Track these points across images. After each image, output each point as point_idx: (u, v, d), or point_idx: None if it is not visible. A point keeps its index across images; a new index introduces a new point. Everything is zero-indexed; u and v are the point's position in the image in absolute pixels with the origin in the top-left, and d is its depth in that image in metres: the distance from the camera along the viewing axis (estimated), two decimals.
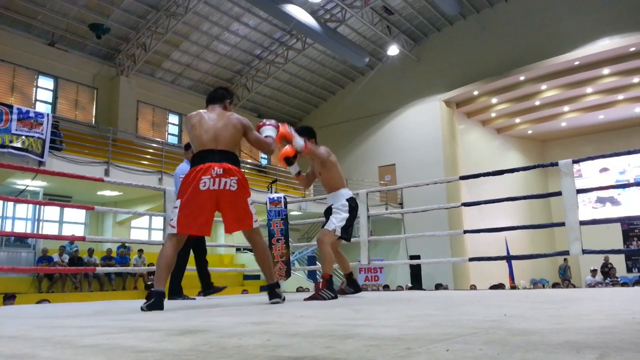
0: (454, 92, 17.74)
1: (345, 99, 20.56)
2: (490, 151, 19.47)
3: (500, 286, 11.82)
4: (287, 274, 5.69)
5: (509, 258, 12.74)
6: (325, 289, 3.76)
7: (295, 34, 17.13)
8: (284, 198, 5.84)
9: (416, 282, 15.81)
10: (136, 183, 6.26)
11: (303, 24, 14.93)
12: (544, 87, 16.88)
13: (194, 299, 4.87)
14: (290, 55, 17.92)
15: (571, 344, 1.17)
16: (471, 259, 5.74)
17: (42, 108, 13.60)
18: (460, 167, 17.69)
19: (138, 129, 15.98)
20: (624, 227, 17.11)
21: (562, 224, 4.52)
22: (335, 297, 3.80)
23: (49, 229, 13.17)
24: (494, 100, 18.02)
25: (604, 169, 18.70)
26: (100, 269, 9.92)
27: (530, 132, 20.43)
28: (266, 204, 5.80)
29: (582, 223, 4.44)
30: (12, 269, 7.70)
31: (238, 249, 16.14)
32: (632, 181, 17.36)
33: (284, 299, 3.28)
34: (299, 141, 3.89)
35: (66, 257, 11.11)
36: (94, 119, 15.04)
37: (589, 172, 18.41)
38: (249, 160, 18.69)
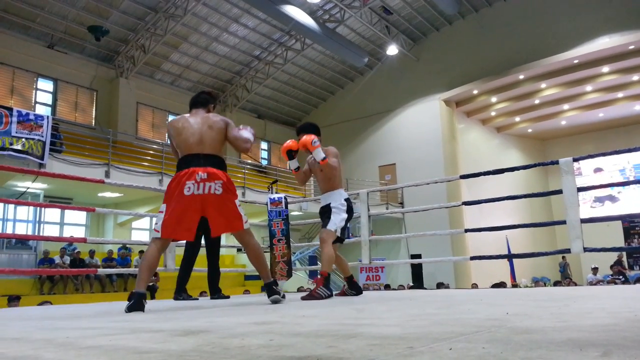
0: (454, 92, 17.75)
1: (345, 99, 20.57)
2: (490, 150, 19.47)
3: (501, 285, 11.82)
4: (289, 274, 5.68)
5: (510, 256, 12.75)
6: (322, 287, 3.76)
7: (294, 35, 17.13)
8: (285, 198, 5.84)
9: (417, 281, 15.82)
10: (136, 184, 6.26)
11: (302, 24, 14.93)
12: (543, 85, 16.88)
13: (197, 299, 4.86)
14: (290, 55, 17.92)
15: (574, 341, 1.17)
16: (472, 258, 5.74)
17: (42, 110, 13.60)
18: (460, 166, 17.70)
19: (138, 130, 15.98)
20: (625, 224, 17.10)
21: (563, 222, 4.52)
22: (331, 295, 3.83)
23: (50, 230, 13.18)
24: (494, 99, 18.03)
25: (598, 169, 18.69)
26: (101, 271, 9.93)
27: (530, 130, 20.43)
28: (267, 204, 5.80)
29: (583, 221, 4.43)
30: (14, 271, 7.71)
31: (239, 250, 16.12)
32: (631, 179, 17.40)
33: (283, 296, 3.27)
34: (320, 154, 3.89)
35: (67, 259, 11.12)
36: (93, 121, 15.05)
37: (586, 172, 18.41)
38: (249, 161, 18.69)
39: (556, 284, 13.80)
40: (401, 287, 13.08)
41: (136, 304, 2.78)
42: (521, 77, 16.64)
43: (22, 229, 12.52)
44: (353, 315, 2.20)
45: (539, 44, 15.88)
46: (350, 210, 4.10)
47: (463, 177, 5.80)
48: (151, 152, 14.10)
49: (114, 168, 11.33)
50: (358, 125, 19.71)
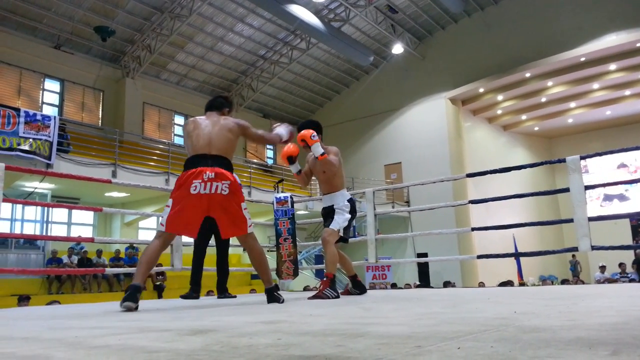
0: (460, 90, 17.69)
1: (350, 98, 20.55)
2: (497, 148, 19.39)
3: (508, 283, 11.79)
4: (295, 273, 5.69)
5: (517, 255, 12.70)
6: (328, 288, 3.74)
7: (299, 34, 17.13)
8: (291, 197, 5.85)
9: (424, 280, 15.79)
10: (143, 184, 6.29)
11: (307, 23, 14.92)
12: (550, 83, 16.79)
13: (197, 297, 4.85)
14: (295, 55, 17.93)
15: (583, 340, 1.17)
16: (479, 257, 5.72)
17: (48, 111, 13.69)
18: (466, 164, 17.64)
19: (144, 130, 16.04)
20: (633, 222, 17.00)
21: (571, 221, 4.50)
22: (338, 297, 3.79)
23: (58, 230, 13.26)
24: (500, 98, 17.95)
25: (623, 165, 18.53)
26: (109, 270, 9.98)
27: (536, 128, 20.32)
28: (273, 203, 5.81)
29: (591, 219, 4.41)
30: (23, 271, 7.77)
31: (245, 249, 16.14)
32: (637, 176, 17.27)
33: (283, 301, 3.25)
34: (319, 149, 3.87)
35: (75, 259, 11.18)
36: (100, 121, 15.13)
37: (602, 169, 18.22)
38: (255, 160, 18.72)
39: (564, 282, 13.74)
40: (408, 286, 13.07)
41: (131, 296, 2.77)
42: (527, 75, 16.56)
43: (30, 229, 12.61)
44: (360, 315, 2.20)
45: (545, 42, 15.79)
46: (353, 211, 4.07)
47: (469, 175, 5.78)
48: (157, 151, 14.16)
49: (121, 168, 11.38)
50: (364, 124, 19.69)
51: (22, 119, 9.50)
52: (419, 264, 16.46)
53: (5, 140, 9.20)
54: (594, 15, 15.17)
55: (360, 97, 20.24)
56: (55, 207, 12.72)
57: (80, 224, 13.90)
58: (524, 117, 19.33)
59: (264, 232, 16.88)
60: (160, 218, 3.09)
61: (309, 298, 3.79)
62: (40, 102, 13.91)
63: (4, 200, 4.15)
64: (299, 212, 14.34)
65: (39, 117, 9.94)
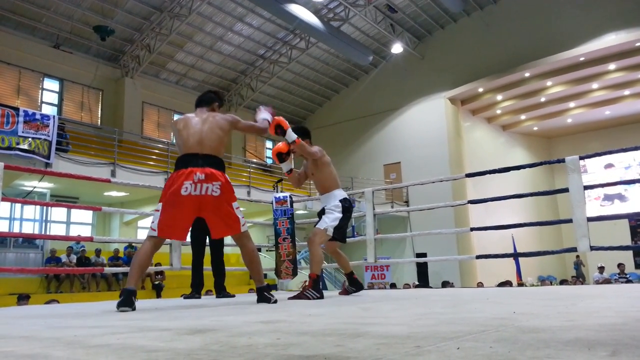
0: (459, 90, 17.70)
1: (350, 97, 20.55)
2: (496, 148, 19.41)
3: (507, 283, 11.80)
4: (294, 273, 5.69)
5: (516, 255, 12.70)
6: (310, 289, 3.68)
7: (298, 34, 17.13)
8: (290, 197, 5.84)
9: (423, 280, 15.79)
10: (142, 184, 6.28)
11: (306, 23, 14.92)
12: (549, 83, 16.80)
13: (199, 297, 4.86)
14: (294, 54, 17.92)
15: (582, 341, 1.17)
16: (478, 257, 5.73)
17: (48, 110, 13.67)
18: (465, 164, 17.65)
19: (143, 129, 16.04)
20: (632, 223, 17.01)
21: (570, 221, 4.50)
22: (321, 297, 3.70)
23: (57, 229, 13.25)
24: (499, 97, 17.96)
25: (609, 165, 18.57)
26: (108, 269, 9.97)
27: (535, 128, 20.34)
28: (272, 203, 5.80)
29: (590, 219, 4.41)
30: (21, 270, 7.76)
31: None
32: (638, 176, 17.28)
33: (275, 301, 3.20)
34: (292, 134, 3.87)
35: (74, 258, 11.18)
36: (99, 121, 15.11)
37: (594, 169, 18.30)
38: (254, 160, 18.72)
39: (562, 282, 13.75)
40: (407, 286, 13.07)
41: (125, 301, 2.76)
42: (527, 74, 16.57)
43: (29, 228, 12.60)
44: (359, 314, 2.20)
45: (544, 42, 15.80)
46: (346, 211, 4.01)
47: (469, 175, 5.79)
48: (156, 151, 14.15)
49: (120, 167, 11.38)
50: (363, 124, 19.69)
51: (21, 118, 9.49)
52: (418, 264, 16.45)
53: (5, 139, 9.19)
54: (593, 15, 15.18)
55: (359, 97, 20.24)
56: (54, 207, 12.72)
57: (79, 223, 13.90)
58: (523, 117, 19.34)
59: (263, 231, 16.90)
60: (151, 222, 3.06)
61: (290, 298, 3.72)
62: (39, 101, 13.90)
63: (3, 199, 4.15)
64: (298, 212, 14.33)
65: (38, 117, 9.93)
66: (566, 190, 4.54)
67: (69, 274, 10.77)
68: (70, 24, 13.81)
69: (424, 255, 15.52)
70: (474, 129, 19.03)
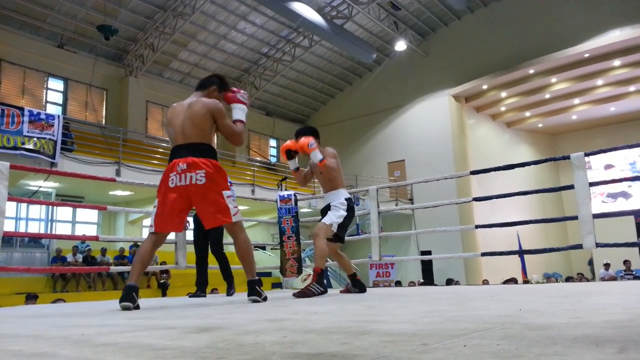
0: (463, 87, 17.65)
1: (353, 95, 20.53)
2: (501, 145, 19.35)
3: (512, 281, 11.77)
4: (299, 271, 5.71)
5: (521, 252, 12.66)
6: (315, 284, 3.68)
7: (302, 32, 17.12)
8: (294, 195, 5.85)
9: (428, 277, 15.79)
10: (147, 182, 6.30)
11: (310, 21, 14.91)
12: (553, 80, 16.73)
13: (204, 296, 4.88)
14: (298, 52, 17.91)
15: (590, 338, 1.16)
16: (484, 254, 5.72)
17: (52, 110, 13.72)
18: (470, 161, 17.60)
19: (147, 128, 16.07)
20: (638, 219, 16.92)
21: (575, 218, 4.48)
22: (325, 292, 3.75)
23: (62, 229, 13.31)
24: (504, 94, 17.90)
25: (609, 166, 18.43)
26: (113, 268, 9.98)
27: (540, 125, 20.27)
28: (277, 201, 5.82)
29: (595, 216, 4.40)
30: (28, 269, 7.80)
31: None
32: None
33: (264, 298, 3.17)
34: (318, 155, 3.85)
35: (80, 257, 11.23)
36: (104, 120, 15.15)
37: (597, 167, 18.13)
38: (259, 159, 18.73)
39: (568, 279, 13.71)
40: (412, 284, 13.07)
41: (126, 296, 2.76)
42: (531, 71, 16.50)
43: (34, 228, 12.66)
44: (365, 312, 2.20)
45: (549, 38, 15.73)
46: (350, 210, 4.01)
47: (473, 172, 5.77)
48: (161, 150, 14.18)
49: (125, 166, 11.41)
50: (367, 122, 19.67)
51: (26, 118, 9.53)
52: (423, 262, 16.45)
53: (10, 139, 9.23)
54: (597, 11, 15.09)
55: (363, 95, 20.21)
56: (60, 206, 12.77)
57: (85, 222, 13.95)
58: (527, 113, 19.27)
59: (267, 230, 16.93)
60: (150, 219, 3.10)
61: (295, 295, 3.71)
62: (44, 101, 13.95)
63: (9, 199, 4.17)
64: (302, 210, 14.33)
65: (42, 116, 9.97)
66: (571, 187, 4.52)
67: (75, 273, 10.82)
68: (74, 24, 13.85)
69: (428, 253, 15.51)
70: (478, 126, 18.98)
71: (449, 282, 12.82)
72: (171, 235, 7.12)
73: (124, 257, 11.99)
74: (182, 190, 2.98)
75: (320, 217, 4.13)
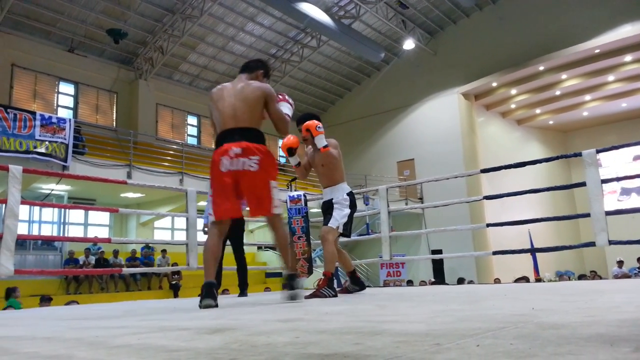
0: (472, 85, 17.55)
1: (362, 94, 20.50)
2: (511, 143, 19.22)
3: (523, 279, 11.68)
4: (309, 271, 5.71)
5: (533, 251, 12.57)
6: (326, 287, 3.68)
7: (309, 32, 17.13)
8: (304, 196, 5.86)
9: (439, 276, 15.73)
10: (158, 184, 6.35)
11: (317, 21, 14.91)
12: (564, 76, 16.58)
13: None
14: (306, 53, 17.93)
15: (604, 337, 1.16)
16: (495, 253, 5.69)
17: (63, 113, 13.85)
18: (480, 160, 17.50)
19: (158, 131, 16.17)
20: None
21: (587, 215, 4.45)
22: (335, 296, 3.73)
23: (75, 231, 13.43)
24: (514, 92, 17.78)
25: (638, 157, 18.13)
26: (126, 270, 10.09)
27: (551, 122, 20.10)
28: (286, 202, 5.83)
29: (608, 213, 4.36)
30: (41, 272, 7.89)
31: (259, 247, 16.24)
32: None
33: (298, 296, 3.10)
34: (323, 141, 3.82)
35: (92, 259, 11.33)
36: (114, 123, 15.27)
37: (617, 162, 17.83)
38: None
39: (581, 277, 13.59)
40: (423, 283, 13.03)
41: (208, 294, 2.75)
42: (541, 68, 16.37)
43: (47, 231, 12.79)
44: (377, 312, 2.20)
45: (559, 34, 15.59)
46: (353, 205, 4.00)
47: (483, 171, 5.74)
48: (171, 152, 14.28)
49: (136, 169, 11.49)
50: (376, 121, 19.63)
51: (37, 122, 9.64)
52: (434, 261, 16.38)
53: (22, 143, 9.34)
54: (608, 6, 14.93)
55: (371, 94, 20.18)
56: (72, 209, 12.88)
57: (97, 224, 14.07)
58: (538, 110, 19.12)
59: None
60: (208, 208, 3.04)
61: (306, 297, 3.74)
62: (55, 105, 14.09)
63: (22, 202, 4.22)
64: (312, 210, 14.35)
65: (54, 120, 10.07)
66: (583, 184, 4.49)
67: (88, 275, 10.91)
68: (84, 28, 13.98)
69: (439, 252, 15.45)
70: (488, 124, 18.86)
71: (460, 281, 12.76)
72: (182, 236, 7.16)
73: (136, 259, 12.08)
74: (233, 175, 2.90)
75: (322, 212, 4.10)
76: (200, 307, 2.77)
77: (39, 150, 9.53)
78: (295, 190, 6.39)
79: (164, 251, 12.31)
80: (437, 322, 1.63)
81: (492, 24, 17.25)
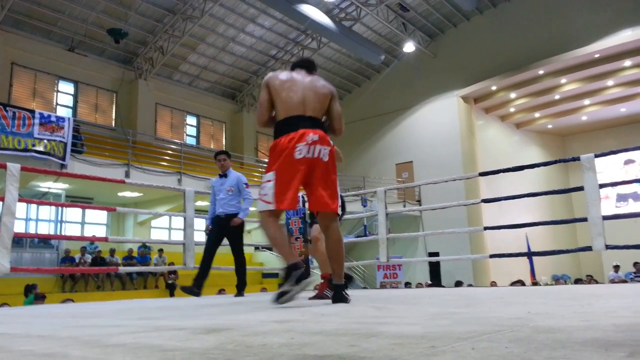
0: (472, 88, 17.58)
1: (362, 97, 20.52)
2: (510, 146, 19.25)
3: (518, 283, 11.69)
4: (307, 273, 5.70)
5: (530, 254, 12.58)
6: (327, 289, 3.65)
7: (310, 34, 17.14)
8: (302, 197, 5.85)
9: (435, 279, 15.73)
10: (156, 184, 6.34)
11: (318, 23, 14.93)
12: (563, 80, 16.61)
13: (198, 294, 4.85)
14: (306, 54, 17.92)
15: (599, 341, 1.16)
16: (492, 256, 5.69)
17: (62, 112, 13.84)
18: (479, 163, 17.52)
19: (157, 131, 16.16)
20: None
21: (585, 219, 4.46)
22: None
23: (72, 230, 13.41)
24: (513, 95, 17.81)
25: (630, 161, 18.15)
26: (122, 269, 10.07)
27: (550, 126, 20.13)
28: None
29: (605, 218, 4.36)
30: (37, 270, 7.86)
31: (257, 248, 16.22)
32: None
33: (349, 301, 2.83)
34: None
35: (89, 257, 11.31)
36: (113, 122, 15.26)
37: (610, 167, 17.87)
38: (267, 160, 18.75)
39: (577, 281, 13.60)
40: (420, 285, 13.03)
41: (303, 274, 2.60)
42: (541, 72, 16.40)
43: (44, 229, 12.77)
44: (373, 314, 2.19)
45: (558, 38, 15.63)
46: (343, 208, 3.96)
47: (482, 174, 5.75)
48: (170, 152, 14.26)
49: (134, 168, 11.48)
50: (375, 123, 19.65)
51: (36, 121, 9.63)
52: (431, 264, 16.38)
53: (21, 141, 9.33)
54: (608, 10, 14.96)
55: (371, 96, 20.20)
56: (69, 207, 12.87)
57: (94, 223, 14.05)
58: (537, 114, 19.15)
59: None
60: (263, 195, 2.74)
61: (310, 298, 3.74)
62: (54, 103, 14.08)
63: (19, 200, 4.21)
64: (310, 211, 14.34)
65: (53, 119, 10.06)
66: (581, 188, 4.49)
67: (84, 273, 10.89)
68: (85, 27, 13.97)
69: (436, 254, 15.45)
70: (487, 127, 18.89)
71: (459, 284, 12.76)
72: (179, 236, 7.16)
73: (132, 258, 12.06)
74: (308, 163, 2.70)
75: (311, 217, 4.08)
76: (293, 288, 2.58)
77: (37, 148, 9.52)
78: None
79: (160, 250, 12.30)
80: (433, 325, 1.63)
81: (492, 28, 17.28)
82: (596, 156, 4.49)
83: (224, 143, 18.41)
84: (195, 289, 4.73)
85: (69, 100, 14.51)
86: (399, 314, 2.18)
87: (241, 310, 2.73)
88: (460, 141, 17.52)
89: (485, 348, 1.11)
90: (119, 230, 14.25)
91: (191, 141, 17.26)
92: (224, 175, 5.03)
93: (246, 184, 5.01)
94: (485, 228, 6.27)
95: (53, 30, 13.79)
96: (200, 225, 5.83)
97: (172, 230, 15.49)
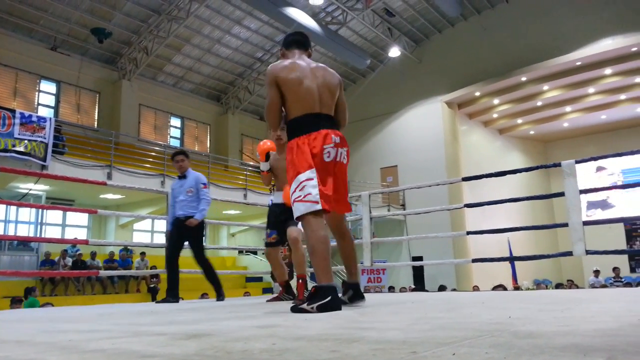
0: (456, 94, 17.75)
1: (347, 101, 20.36)
2: (493, 152, 19.46)
3: (500, 287, 11.80)
4: (291, 276, 5.68)
5: (511, 259, 12.68)
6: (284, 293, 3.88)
7: None
8: None
9: (419, 283, 15.81)
10: (138, 186, 6.27)
11: (304, 26, 14.94)
12: (545, 87, 16.87)
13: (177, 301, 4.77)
14: None
15: (578, 346, 1.17)
16: (474, 260, 5.73)
17: (44, 112, 13.65)
18: (462, 168, 17.68)
19: (140, 132, 16.01)
20: (627, 227, 17.05)
21: (565, 225, 4.51)
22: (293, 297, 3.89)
23: (52, 232, 13.21)
24: (496, 101, 18.02)
25: (601, 168, 18.42)
26: (103, 272, 9.94)
27: (532, 132, 20.41)
28: (268, 206, 5.79)
29: (586, 223, 4.43)
30: (16, 273, 7.72)
31: (240, 252, 16.14)
32: (619, 183, 17.19)
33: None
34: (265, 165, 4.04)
35: (69, 261, 11.14)
36: (96, 123, 15.09)
37: (585, 174, 18.06)
38: (251, 163, 18.70)
39: (558, 286, 13.78)
40: (404, 290, 13.07)
41: (334, 302, 2.33)
42: (523, 79, 16.63)
43: (24, 231, 12.55)
44: (356, 319, 2.19)
45: (541, 46, 15.87)
46: None
47: (465, 179, 5.79)
48: (153, 153, 14.13)
49: (116, 170, 11.36)
50: (360, 127, 19.69)
51: (17, 120, 9.47)
52: (414, 268, 16.46)
53: (0, 141, 9.17)
54: (589, 20, 15.25)
55: (356, 100, 20.22)
56: (50, 209, 12.66)
57: (75, 225, 13.85)
58: (519, 120, 19.40)
59: (259, 235, 16.86)
60: (304, 196, 2.47)
61: (270, 300, 3.76)
62: (35, 103, 13.87)
63: None
64: None
65: (34, 119, 9.91)
66: (562, 194, 4.55)
67: (64, 277, 10.72)
68: (68, 26, 13.80)
69: (420, 258, 15.54)
70: (470, 132, 19.08)
71: (442, 288, 12.84)
72: (162, 239, 7.09)
73: (114, 261, 11.91)
74: (332, 166, 2.58)
75: (279, 216, 4.04)
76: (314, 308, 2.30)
77: (17, 148, 9.36)
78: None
79: (142, 254, 12.17)
80: (415, 330, 1.63)
81: (476, 34, 17.48)
82: (577, 162, 4.55)
83: (208, 145, 18.31)
84: (171, 299, 4.62)
85: (51, 100, 14.30)
86: (382, 318, 2.18)
87: (223, 315, 2.71)
88: (444, 146, 17.66)
89: (465, 353, 1.12)
90: (101, 233, 14.07)
91: (175, 143, 17.14)
92: (182, 176, 4.90)
93: (204, 184, 4.91)
94: (468, 233, 6.32)
95: (35, 29, 13.59)
96: None
97: (155, 233, 15.34)
